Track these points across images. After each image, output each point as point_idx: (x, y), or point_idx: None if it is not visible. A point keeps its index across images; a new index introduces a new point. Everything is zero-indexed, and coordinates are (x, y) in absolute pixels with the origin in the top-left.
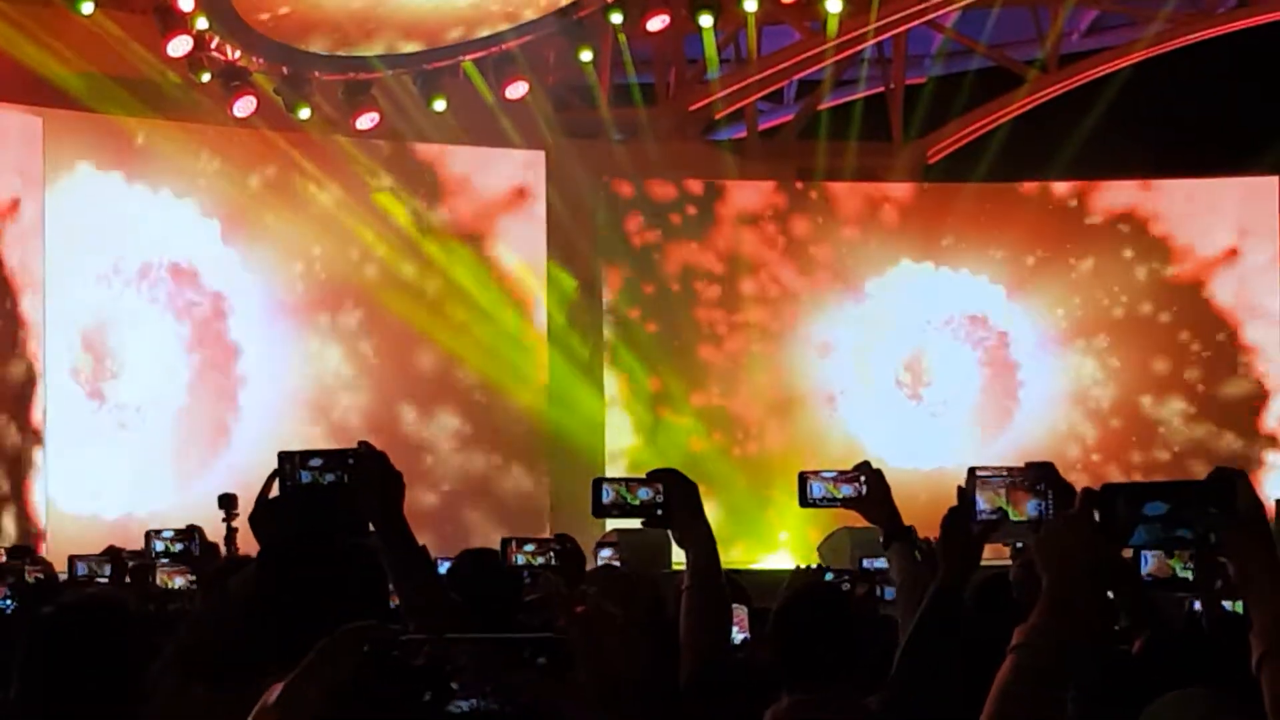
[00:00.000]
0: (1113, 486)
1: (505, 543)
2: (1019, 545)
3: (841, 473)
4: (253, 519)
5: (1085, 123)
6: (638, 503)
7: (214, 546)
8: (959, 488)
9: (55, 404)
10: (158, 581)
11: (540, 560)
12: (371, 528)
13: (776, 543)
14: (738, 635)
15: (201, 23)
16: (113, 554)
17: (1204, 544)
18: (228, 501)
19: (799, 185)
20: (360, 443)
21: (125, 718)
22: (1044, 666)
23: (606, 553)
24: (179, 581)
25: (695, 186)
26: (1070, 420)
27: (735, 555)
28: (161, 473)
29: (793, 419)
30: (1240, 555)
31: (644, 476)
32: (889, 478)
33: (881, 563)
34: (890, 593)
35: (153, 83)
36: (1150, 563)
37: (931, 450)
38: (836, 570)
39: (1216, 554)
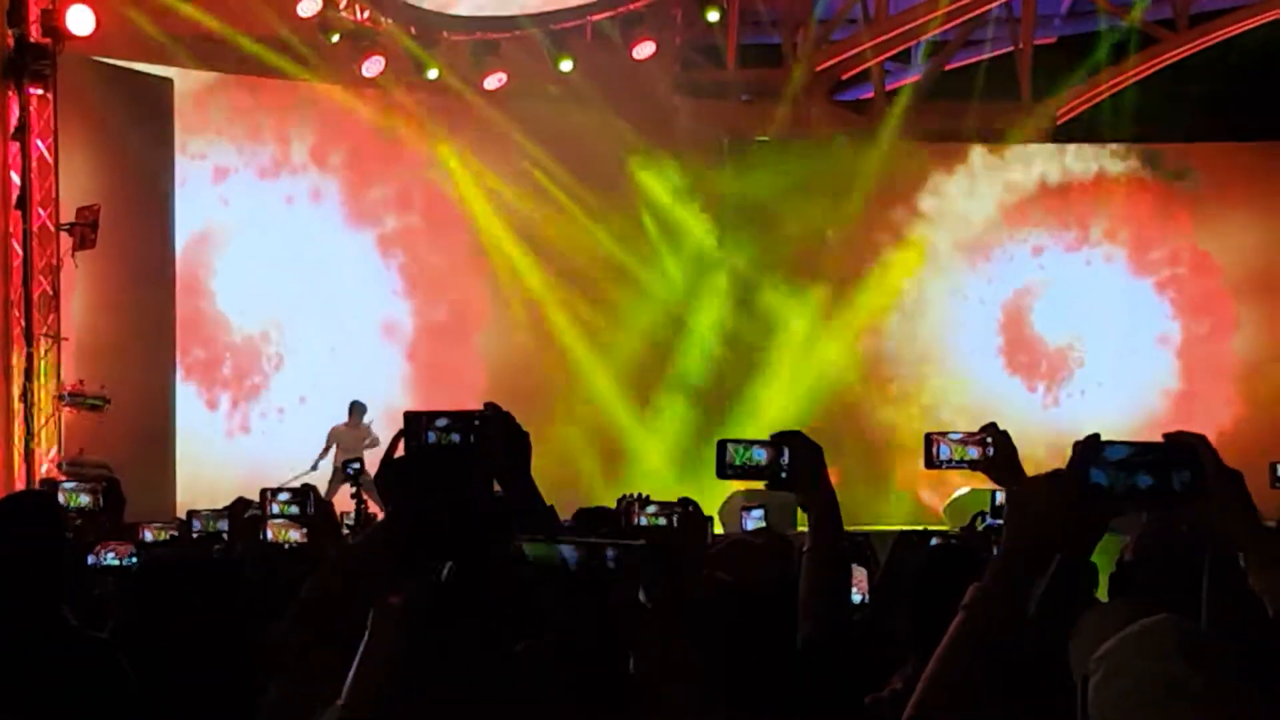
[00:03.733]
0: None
1: (628, 504)
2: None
3: (968, 434)
4: (378, 479)
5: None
6: (758, 464)
7: (329, 505)
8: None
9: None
10: (271, 537)
11: (662, 522)
12: (497, 488)
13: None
14: (856, 597)
15: None
16: (232, 508)
17: (1169, 495)
18: (355, 470)
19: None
20: (486, 404)
21: (241, 671)
22: (987, 631)
23: (757, 513)
24: (294, 535)
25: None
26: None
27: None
28: None
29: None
30: (1219, 512)
31: (767, 438)
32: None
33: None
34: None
35: (282, 43)
36: None
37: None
38: (941, 534)
39: (1184, 509)
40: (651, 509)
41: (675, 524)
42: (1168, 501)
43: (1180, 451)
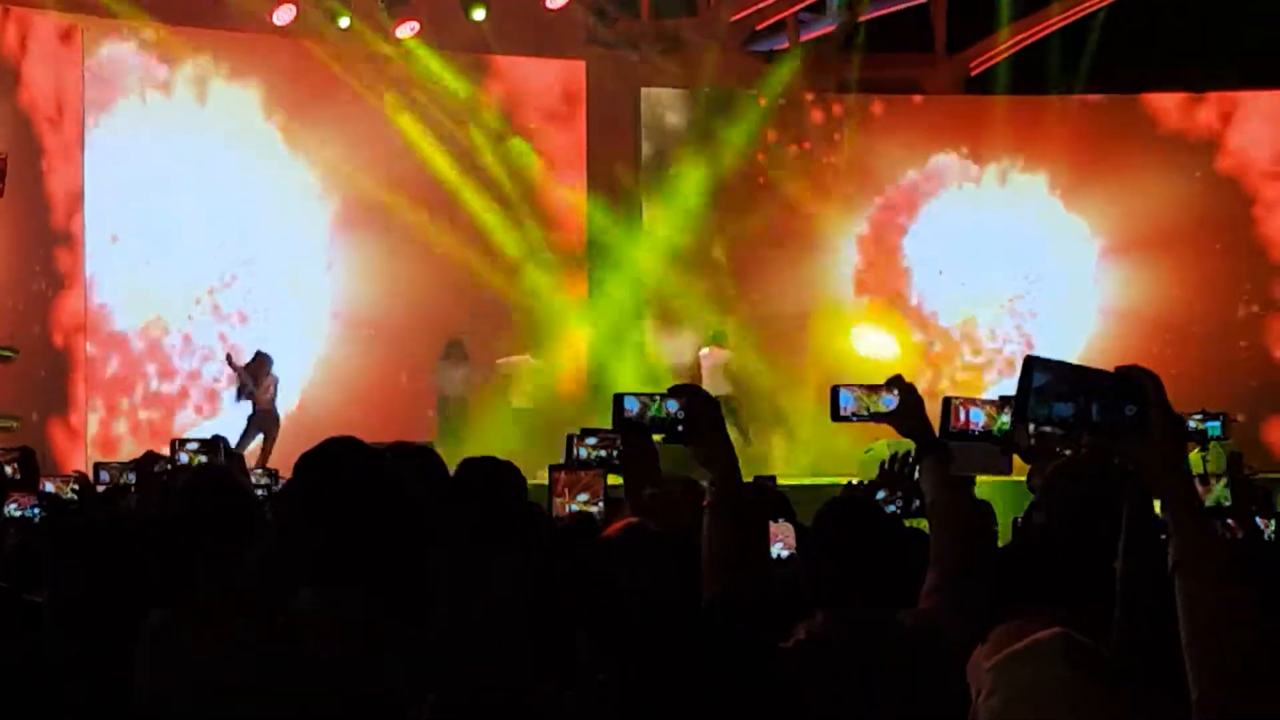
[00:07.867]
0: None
1: (570, 437)
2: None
3: (874, 386)
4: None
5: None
6: (658, 417)
7: (240, 458)
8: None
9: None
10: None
11: (602, 454)
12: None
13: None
14: (783, 551)
15: None
16: (140, 462)
17: (1117, 426)
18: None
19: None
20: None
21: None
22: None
23: None
24: None
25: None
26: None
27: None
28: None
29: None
30: (1154, 466)
31: (664, 392)
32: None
33: None
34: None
35: None
36: None
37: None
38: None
39: (1116, 451)
40: (592, 440)
41: (615, 459)
42: (1113, 434)
43: (1129, 384)
